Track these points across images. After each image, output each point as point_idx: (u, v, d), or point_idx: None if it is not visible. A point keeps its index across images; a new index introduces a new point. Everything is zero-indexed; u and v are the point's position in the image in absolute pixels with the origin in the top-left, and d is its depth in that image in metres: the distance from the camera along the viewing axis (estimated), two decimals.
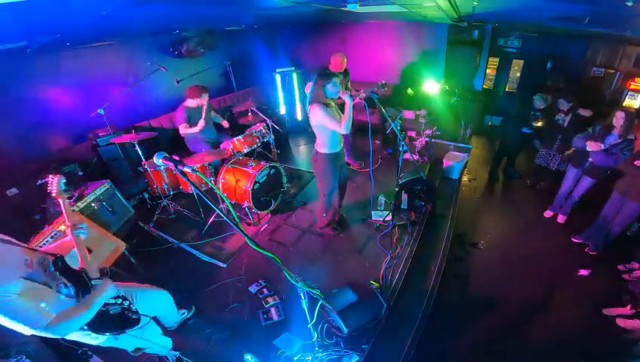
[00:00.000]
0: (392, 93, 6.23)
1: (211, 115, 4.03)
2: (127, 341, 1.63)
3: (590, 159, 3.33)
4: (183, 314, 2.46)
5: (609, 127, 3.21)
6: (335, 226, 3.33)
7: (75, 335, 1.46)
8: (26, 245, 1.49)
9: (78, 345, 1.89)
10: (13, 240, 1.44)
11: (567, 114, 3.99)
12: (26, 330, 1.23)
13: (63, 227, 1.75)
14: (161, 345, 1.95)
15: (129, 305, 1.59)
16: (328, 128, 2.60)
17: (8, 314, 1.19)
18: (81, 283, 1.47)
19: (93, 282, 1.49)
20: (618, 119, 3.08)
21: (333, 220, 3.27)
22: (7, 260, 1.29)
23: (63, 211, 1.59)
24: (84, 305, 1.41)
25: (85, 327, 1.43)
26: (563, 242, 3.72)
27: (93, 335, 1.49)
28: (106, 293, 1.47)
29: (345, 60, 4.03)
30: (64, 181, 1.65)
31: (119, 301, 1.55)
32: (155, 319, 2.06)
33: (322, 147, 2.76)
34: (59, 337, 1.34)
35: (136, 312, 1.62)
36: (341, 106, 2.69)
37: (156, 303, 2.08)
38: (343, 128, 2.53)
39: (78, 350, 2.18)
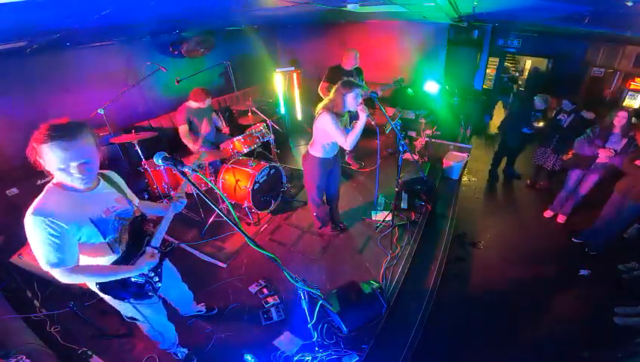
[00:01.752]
0: (392, 93, 6.23)
1: (211, 118, 4.03)
2: (127, 308, 1.63)
3: (598, 160, 3.32)
4: (200, 311, 2.47)
5: (609, 127, 3.21)
6: (334, 226, 3.33)
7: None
8: (127, 192, 1.63)
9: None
10: (122, 185, 1.61)
11: (569, 115, 3.99)
12: (45, 265, 1.26)
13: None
14: (158, 328, 1.88)
15: (156, 282, 1.59)
16: (333, 139, 2.55)
17: (47, 245, 1.22)
18: (136, 247, 1.51)
19: (147, 249, 1.50)
20: (620, 119, 3.08)
21: (328, 219, 3.26)
22: (98, 201, 1.41)
23: (184, 183, 1.69)
24: (113, 270, 1.43)
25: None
26: (563, 242, 3.72)
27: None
28: (139, 269, 1.45)
29: (358, 57, 3.90)
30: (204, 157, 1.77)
31: (151, 274, 1.56)
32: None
33: (316, 150, 2.70)
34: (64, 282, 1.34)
35: (155, 291, 1.61)
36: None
37: (177, 289, 2.14)
38: (348, 144, 2.46)
39: (78, 350, 2.19)
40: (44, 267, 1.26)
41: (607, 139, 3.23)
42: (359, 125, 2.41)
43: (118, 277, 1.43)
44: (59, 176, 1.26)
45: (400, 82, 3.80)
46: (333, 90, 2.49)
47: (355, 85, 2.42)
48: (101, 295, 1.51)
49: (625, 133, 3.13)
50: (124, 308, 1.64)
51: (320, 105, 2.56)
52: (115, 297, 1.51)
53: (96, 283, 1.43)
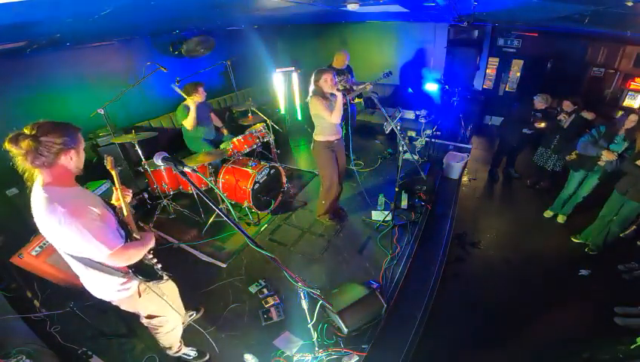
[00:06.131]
0: (392, 93, 6.24)
1: (210, 116, 4.03)
2: (149, 300, 1.71)
3: (600, 163, 3.31)
4: (191, 315, 2.47)
5: (614, 129, 3.21)
6: (332, 217, 3.39)
7: (106, 282, 1.54)
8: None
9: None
10: None
11: (569, 115, 3.98)
12: (104, 252, 1.35)
13: None
14: (178, 309, 1.99)
15: (156, 263, 1.71)
16: (323, 118, 2.84)
17: (95, 234, 1.31)
18: (129, 232, 1.60)
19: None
20: (630, 122, 3.07)
21: (332, 210, 3.37)
22: (89, 193, 1.53)
23: (116, 179, 1.77)
24: (143, 241, 1.58)
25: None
26: (563, 242, 3.72)
27: (124, 285, 1.58)
28: (152, 241, 1.64)
29: (347, 58, 4.37)
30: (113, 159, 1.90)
31: (150, 256, 1.66)
32: None
33: (318, 135, 3.00)
34: (121, 265, 1.48)
35: (160, 269, 1.73)
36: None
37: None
38: (333, 118, 2.80)
39: (78, 350, 2.19)
40: (105, 254, 1.36)
41: (612, 140, 3.23)
42: (337, 102, 2.81)
43: (148, 247, 1.60)
44: (68, 168, 1.41)
45: (389, 74, 3.89)
46: (312, 81, 2.88)
47: (323, 71, 2.82)
48: (125, 292, 1.60)
49: (629, 136, 3.12)
50: (148, 301, 1.71)
51: (309, 96, 2.92)
52: (148, 277, 1.63)
53: (131, 267, 1.54)
